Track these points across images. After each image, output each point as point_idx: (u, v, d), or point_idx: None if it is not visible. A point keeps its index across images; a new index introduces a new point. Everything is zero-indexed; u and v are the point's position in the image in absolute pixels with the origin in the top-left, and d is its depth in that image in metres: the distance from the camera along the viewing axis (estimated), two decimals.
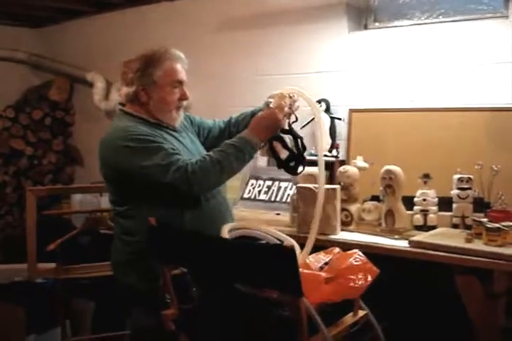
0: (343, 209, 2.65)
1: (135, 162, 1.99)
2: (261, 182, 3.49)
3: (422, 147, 2.97)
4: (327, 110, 3.27)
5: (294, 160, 2.22)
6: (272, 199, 3.37)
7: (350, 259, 1.80)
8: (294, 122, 2.24)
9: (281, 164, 2.24)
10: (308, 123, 2.99)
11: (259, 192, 3.46)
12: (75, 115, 4.92)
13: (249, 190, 3.50)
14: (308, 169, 2.82)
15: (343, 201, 2.65)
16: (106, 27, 4.51)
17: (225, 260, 1.77)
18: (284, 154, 2.21)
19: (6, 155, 4.51)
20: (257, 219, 3.09)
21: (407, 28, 3.15)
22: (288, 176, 2.86)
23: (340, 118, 3.23)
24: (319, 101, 3.26)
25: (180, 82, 2.18)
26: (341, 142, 3.27)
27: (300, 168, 2.24)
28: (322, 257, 1.97)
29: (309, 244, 2.07)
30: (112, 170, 2.09)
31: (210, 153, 2.08)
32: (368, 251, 2.37)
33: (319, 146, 2.23)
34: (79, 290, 3.27)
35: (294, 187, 2.96)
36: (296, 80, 3.40)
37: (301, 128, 3.26)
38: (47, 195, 3.08)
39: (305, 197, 2.61)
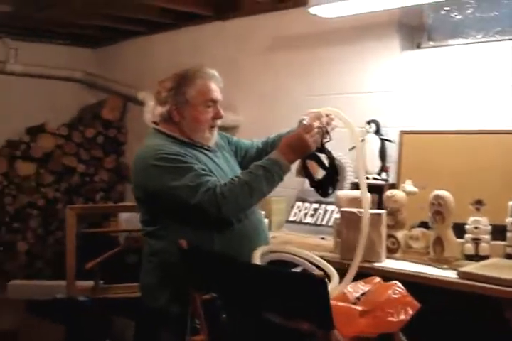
0: (389, 236, 2.52)
1: (163, 182, 1.95)
2: (307, 204, 3.39)
3: (476, 171, 2.80)
4: (377, 131, 3.15)
5: (326, 181, 2.13)
6: (318, 222, 3.27)
7: (389, 292, 1.68)
8: (327, 141, 2.14)
9: (314, 183, 2.15)
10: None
11: (305, 215, 3.36)
12: (127, 134, 4.95)
13: (295, 213, 3.40)
14: (354, 192, 2.73)
15: (389, 227, 2.52)
16: (158, 47, 4.55)
17: (255, 287, 1.69)
18: (319, 174, 2.12)
19: (58, 173, 4.57)
20: (301, 242, 2.99)
21: (461, 46, 3.01)
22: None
23: (390, 140, 3.11)
24: (369, 122, 3.15)
25: (214, 101, 2.14)
26: (391, 165, 3.14)
27: (330, 190, 2.15)
28: (361, 287, 1.86)
29: (351, 274, 1.95)
30: (141, 189, 2.05)
31: (239, 174, 2.02)
32: (414, 280, 2.27)
33: (360, 169, 2.11)
34: (120, 308, 3.24)
35: (338, 211, 2.85)
36: (347, 100, 3.32)
37: (349, 150, 3.20)
38: (86, 213, 3.06)
39: (349, 222, 2.50)
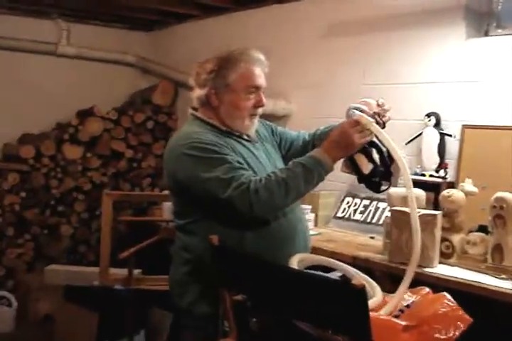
0: (443, 239, 2.33)
1: (194, 172, 1.80)
2: (357, 200, 3.21)
3: None
4: (437, 125, 2.93)
5: (377, 176, 1.90)
6: (368, 220, 3.08)
7: (437, 305, 1.49)
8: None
9: (363, 179, 1.92)
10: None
11: (355, 211, 3.18)
12: (177, 120, 4.83)
13: (344, 209, 3.22)
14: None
15: (444, 229, 2.33)
16: (212, 31, 4.41)
17: (289, 292, 1.53)
18: (367, 169, 1.90)
19: (106, 157, 4.51)
20: (348, 241, 2.82)
21: None
22: None
23: (451, 135, 2.88)
24: (428, 115, 2.93)
25: (257, 88, 1.95)
26: (451, 161, 2.91)
27: (384, 186, 1.92)
28: (407, 297, 1.66)
29: (404, 286, 1.70)
30: (171, 179, 1.91)
31: (276, 171, 1.83)
32: (468, 290, 2.09)
33: (405, 178, 1.78)
34: (157, 299, 3.14)
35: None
36: (405, 91, 3.12)
37: (406, 144, 2.99)
38: (124, 200, 2.96)
39: (399, 223, 2.32)
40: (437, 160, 2.92)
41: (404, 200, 2.41)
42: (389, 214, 2.51)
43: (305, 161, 1.82)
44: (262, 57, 1.98)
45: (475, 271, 2.22)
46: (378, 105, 1.93)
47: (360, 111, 1.86)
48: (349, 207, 3.22)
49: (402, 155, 1.79)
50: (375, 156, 1.88)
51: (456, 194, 2.33)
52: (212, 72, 1.92)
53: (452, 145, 2.92)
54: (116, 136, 4.52)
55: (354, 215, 3.16)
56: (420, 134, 2.98)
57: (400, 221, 2.31)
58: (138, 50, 4.92)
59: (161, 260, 3.32)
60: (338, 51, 3.49)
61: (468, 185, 2.41)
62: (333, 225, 3.18)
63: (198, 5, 4.22)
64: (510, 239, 2.14)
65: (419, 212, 2.26)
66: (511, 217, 2.12)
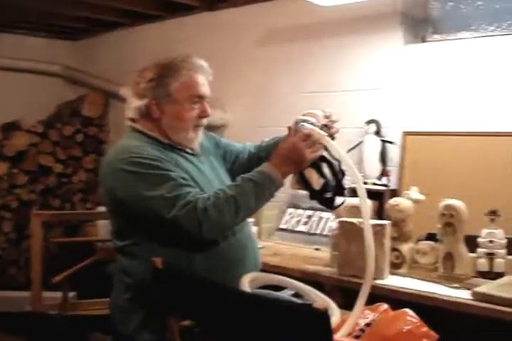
0: (392, 249, 2.27)
1: (135, 191, 1.66)
2: (300, 211, 3.13)
3: (489, 178, 2.55)
4: (377, 132, 2.89)
5: (330, 191, 1.81)
6: (312, 231, 3.00)
7: (400, 323, 1.41)
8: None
9: (314, 195, 1.82)
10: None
11: (298, 222, 3.10)
12: (108, 132, 4.65)
13: (287, 220, 3.13)
14: (352, 200, 2.46)
15: (393, 239, 2.27)
16: (142, 40, 4.27)
17: (242, 316, 1.41)
18: (318, 184, 1.80)
19: (33, 172, 4.27)
20: (293, 254, 2.73)
21: (470, 40, 2.76)
22: None
23: (392, 142, 2.85)
24: (369, 122, 2.90)
25: (201, 97, 1.84)
26: (393, 169, 2.87)
27: (339, 200, 1.83)
28: (365, 314, 1.58)
29: (360, 303, 1.62)
30: (109, 196, 1.76)
31: (225, 188, 1.72)
32: (422, 301, 2.03)
33: (359, 190, 1.71)
34: (95, 324, 2.95)
35: (335, 220, 2.60)
36: (344, 98, 3.07)
37: (347, 152, 2.93)
38: (53, 220, 2.77)
39: (348, 234, 2.25)
40: (379, 167, 2.89)
41: (350, 210, 2.36)
42: (334, 224, 2.44)
43: (255, 177, 1.71)
44: (205, 64, 1.87)
45: (427, 280, 2.17)
46: (326, 117, 1.85)
47: (310, 123, 1.77)
48: (292, 218, 3.14)
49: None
50: (326, 171, 1.80)
51: (403, 203, 2.28)
52: (152, 81, 1.79)
53: (393, 153, 2.89)
54: (43, 150, 4.30)
55: (297, 226, 3.07)
56: (361, 142, 2.93)
57: (348, 232, 2.24)
58: (64, 59, 4.70)
59: (98, 281, 3.15)
60: (274, 59, 3.42)
61: (414, 192, 2.37)
62: (277, 238, 3.09)
63: (127, 12, 4.06)
64: (460, 247, 2.11)
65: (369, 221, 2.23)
66: (461, 224, 2.09)
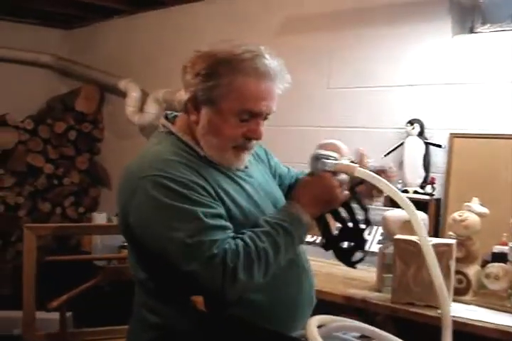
0: (456, 272, 1.93)
1: (148, 222, 1.30)
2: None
3: None
4: (421, 134, 2.56)
5: (347, 240, 1.53)
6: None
7: None
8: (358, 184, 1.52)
9: (331, 244, 1.53)
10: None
11: None
12: (104, 129, 4.36)
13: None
14: (404, 213, 2.12)
15: (456, 260, 1.93)
16: (143, 28, 3.95)
17: None
18: (335, 229, 1.52)
19: (21, 173, 3.98)
20: (329, 274, 2.36)
21: None
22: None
23: (440, 145, 2.51)
24: (411, 123, 2.56)
25: (255, 114, 1.39)
26: (438, 175, 2.54)
27: (357, 255, 1.53)
28: None
29: None
30: (123, 219, 1.38)
31: (254, 235, 1.32)
32: (495, 336, 1.70)
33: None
34: None
35: (382, 233, 2.27)
36: (380, 95, 2.76)
37: (384, 156, 2.62)
38: (50, 234, 2.40)
39: (405, 255, 1.92)
40: (422, 174, 2.57)
41: (405, 225, 2.04)
42: (385, 242, 2.10)
43: (285, 221, 1.36)
44: (277, 68, 1.40)
45: (500, 310, 1.84)
46: (362, 154, 1.54)
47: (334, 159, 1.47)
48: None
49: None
50: (344, 216, 1.51)
51: (471, 217, 1.95)
52: (198, 76, 1.37)
53: (439, 157, 2.56)
54: (32, 149, 4.04)
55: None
56: (401, 144, 2.60)
57: (406, 252, 1.90)
58: (56, 49, 4.40)
59: (96, 302, 2.77)
60: (298, 50, 3.06)
61: (476, 204, 2.03)
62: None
63: None
64: None
65: (429, 241, 1.90)
66: None
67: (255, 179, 1.51)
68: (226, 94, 1.35)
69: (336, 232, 1.52)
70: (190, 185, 1.31)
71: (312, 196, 1.41)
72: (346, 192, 1.46)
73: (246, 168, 1.50)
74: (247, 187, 1.46)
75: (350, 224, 1.51)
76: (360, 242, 1.53)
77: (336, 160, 1.46)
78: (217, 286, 1.24)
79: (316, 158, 1.46)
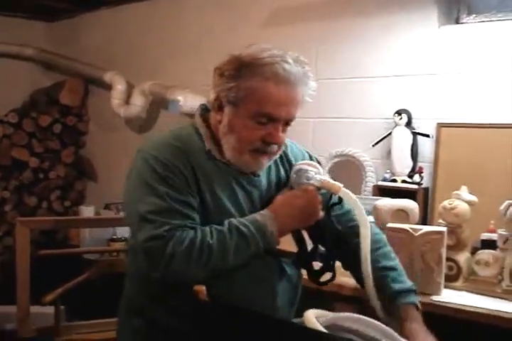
0: (447, 259, 1.96)
1: (128, 188, 1.43)
2: None
3: None
4: (408, 124, 2.58)
5: (317, 257, 1.51)
6: None
7: None
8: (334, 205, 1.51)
9: (303, 260, 1.51)
10: None
11: None
12: (89, 122, 4.31)
13: None
14: (399, 202, 2.15)
15: (447, 248, 1.96)
16: (129, 20, 3.90)
17: None
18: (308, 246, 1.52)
19: (6, 167, 3.93)
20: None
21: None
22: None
23: (428, 135, 2.54)
24: (398, 113, 2.58)
25: (274, 119, 1.40)
26: (425, 165, 2.57)
27: (326, 276, 1.52)
28: None
29: None
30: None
31: (206, 230, 1.35)
32: (487, 321, 1.73)
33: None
34: None
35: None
36: (368, 85, 2.77)
37: (372, 146, 2.64)
38: (43, 228, 2.38)
39: (396, 242, 1.91)
40: (410, 163, 2.59)
41: (396, 214, 2.11)
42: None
43: (244, 225, 1.37)
44: (302, 72, 1.42)
45: (490, 296, 1.88)
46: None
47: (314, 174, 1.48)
48: None
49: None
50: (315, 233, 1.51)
51: (461, 205, 1.98)
52: (223, 77, 1.39)
53: (426, 147, 2.59)
54: (17, 143, 4.00)
55: None
56: (389, 134, 2.62)
57: (397, 241, 1.91)
58: (39, 42, 4.34)
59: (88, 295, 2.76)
60: (284, 41, 3.02)
61: (465, 193, 2.07)
62: None
63: None
64: None
65: (420, 229, 1.92)
66: None
67: (258, 189, 1.50)
68: (245, 96, 1.38)
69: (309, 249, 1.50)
70: (170, 168, 1.37)
71: (293, 208, 1.42)
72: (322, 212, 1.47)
73: (257, 176, 1.50)
74: (241, 193, 1.46)
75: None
76: (329, 265, 1.50)
77: (320, 175, 1.47)
78: (152, 266, 1.31)
79: (300, 171, 1.48)
